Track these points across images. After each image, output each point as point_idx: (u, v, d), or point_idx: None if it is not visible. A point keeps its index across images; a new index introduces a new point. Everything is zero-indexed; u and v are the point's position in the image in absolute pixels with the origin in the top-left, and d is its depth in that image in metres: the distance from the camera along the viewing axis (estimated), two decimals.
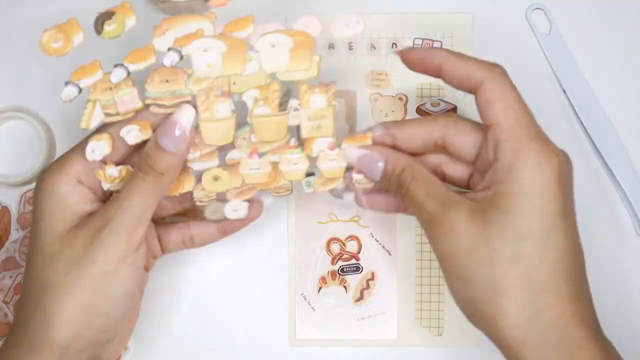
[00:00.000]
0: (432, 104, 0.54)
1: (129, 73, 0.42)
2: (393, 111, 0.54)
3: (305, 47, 0.43)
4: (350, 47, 0.54)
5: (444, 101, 0.54)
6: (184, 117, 0.42)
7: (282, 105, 0.44)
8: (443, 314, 0.53)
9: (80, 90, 0.42)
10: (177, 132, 0.41)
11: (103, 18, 0.42)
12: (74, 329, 0.41)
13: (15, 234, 0.54)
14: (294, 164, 0.45)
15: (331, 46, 0.54)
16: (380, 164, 0.43)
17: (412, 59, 0.43)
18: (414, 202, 0.42)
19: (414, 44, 0.54)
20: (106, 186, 0.44)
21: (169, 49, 0.42)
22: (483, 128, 0.42)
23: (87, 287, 0.41)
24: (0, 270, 0.54)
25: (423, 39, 0.54)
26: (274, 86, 0.43)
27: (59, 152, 0.54)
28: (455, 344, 0.53)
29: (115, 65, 0.42)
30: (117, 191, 0.43)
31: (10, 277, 0.53)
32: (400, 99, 0.54)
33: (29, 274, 0.42)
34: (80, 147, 0.43)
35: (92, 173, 0.43)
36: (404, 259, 0.53)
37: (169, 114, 0.42)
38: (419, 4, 0.54)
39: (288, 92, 0.45)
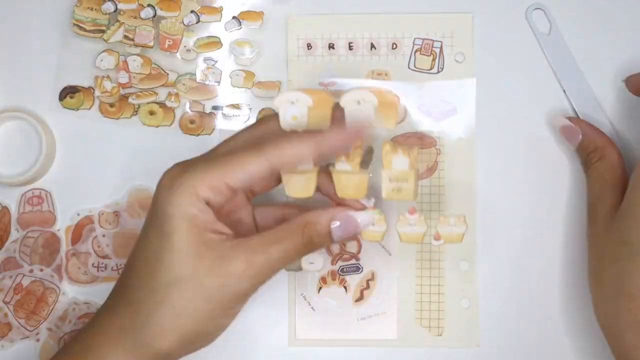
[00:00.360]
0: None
1: (155, 15, 0.53)
2: None
3: (390, 106, 0.44)
4: (350, 47, 0.54)
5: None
6: (364, 221, 0.44)
7: (365, 164, 0.44)
8: (443, 314, 0.53)
9: (116, 9, 0.53)
10: (352, 232, 0.44)
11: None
12: (182, 345, 0.42)
13: (15, 234, 0.54)
14: (371, 224, 0.46)
15: (331, 46, 0.54)
16: (579, 137, 0.49)
17: None
18: (594, 177, 0.48)
19: (414, 44, 0.54)
20: (96, 93, 0.51)
21: (191, 11, 0.53)
22: None
23: (206, 315, 0.42)
24: (0, 270, 0.54)
25: (423, 39, 0.54)
26: (356, 143, 0.43)
27: (59, 152, 0.54)
28: (455, 344, 0.53)
29: (148, 5, 0.53)
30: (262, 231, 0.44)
31: (10, 277, 0.53)
32: None
33: (143, 279, 0.43)
34: (207, 165, 0.43)
35: (220, 195, 0.42)
36: (404, 259, 0.53)
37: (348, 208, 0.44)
38: (419, 4, 0.54)
39: (370, 150, 0.45)
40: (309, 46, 0.54)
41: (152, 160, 0.54)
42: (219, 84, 0.54)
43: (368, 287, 0.53)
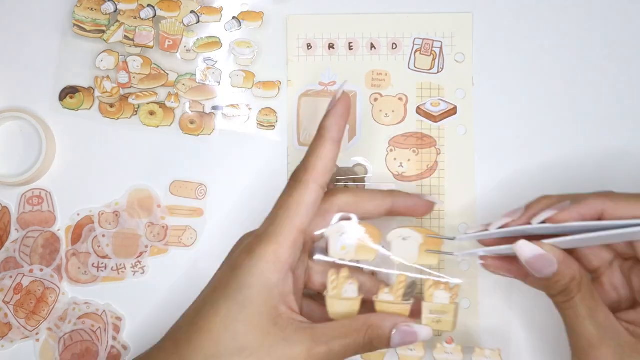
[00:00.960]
0: (432, 104, 0.54)
1: (154, 15, 0.53)
2: (393, 111, 0.54)
3: (434, 244, 0.47)
4: (350, 47, 0.54)
5: (444, 101, 0.54)
6: (423, 335, 0.44)
7: (407, 296, 0.46)
8: None
9: (116, 9, 0.53)
10: (409, 343, 0.44)
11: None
12: None
13: (15, 234, 0.54)
14: (409, 349, 0.48)
15: (331, 46, 0.54)
16: (553, 268, 0.42)
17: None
18: (575, 314, 0.43)
19: (414, 44, 0.54)
20: (96, 93, 0.53)
21: (191, 11, 0.53)
22: None
23: None
24: (0, 270, 0.54)
25: (423, 39, 0.54)
26: (400, 278, 0.46)
27: (59, 152, 0.54)
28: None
29: (148, 5, 0.53)
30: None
31: (10, 277, 0.53)
32: (400, 99, 0.54)
33: (206, 343, 0.42)
34: (289, 234, 0.43)
35: (298, 247, 0.44)
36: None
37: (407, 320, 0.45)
38: (419, 4, 0.54)
39: (413, 284, 0.47)
40: (309, 46, 0.54)
41: (152, 160, 0.54)
42: (219, 84, 0.54)
43: None
